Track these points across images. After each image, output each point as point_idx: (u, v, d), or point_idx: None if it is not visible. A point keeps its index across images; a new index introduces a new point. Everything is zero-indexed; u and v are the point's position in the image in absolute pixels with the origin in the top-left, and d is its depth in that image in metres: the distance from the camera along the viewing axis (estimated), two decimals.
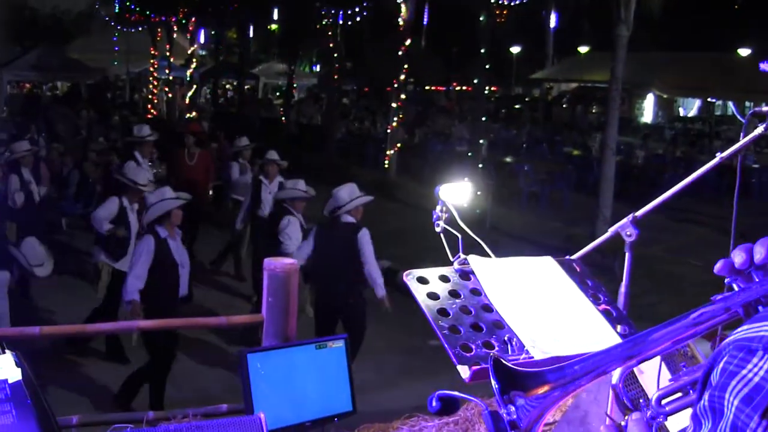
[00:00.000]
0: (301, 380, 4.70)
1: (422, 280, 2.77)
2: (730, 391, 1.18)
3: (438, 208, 3.01)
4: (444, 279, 2.81)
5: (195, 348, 10.07)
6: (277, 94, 50.32)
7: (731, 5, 26.53)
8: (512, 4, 20.30)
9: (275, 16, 33.69)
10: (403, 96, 22.70)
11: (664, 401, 1.72)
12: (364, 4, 25.95)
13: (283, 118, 32.30)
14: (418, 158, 24.40)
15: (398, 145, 22.67)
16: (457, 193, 3.13)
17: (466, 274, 2.85)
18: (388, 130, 23.05)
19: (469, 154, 20.07)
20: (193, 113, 35.97)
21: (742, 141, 3.95)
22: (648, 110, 45.67)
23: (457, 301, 2.72)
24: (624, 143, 27.04)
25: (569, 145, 29.37)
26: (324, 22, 28.93)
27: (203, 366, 9.78)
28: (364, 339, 10.48)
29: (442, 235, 2.97)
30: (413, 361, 10.00)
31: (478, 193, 18.57)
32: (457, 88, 48.49)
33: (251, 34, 38.40)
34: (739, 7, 26.29)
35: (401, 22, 22.01)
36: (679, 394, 1.70)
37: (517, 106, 44.93)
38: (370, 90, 46.07)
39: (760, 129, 3.98)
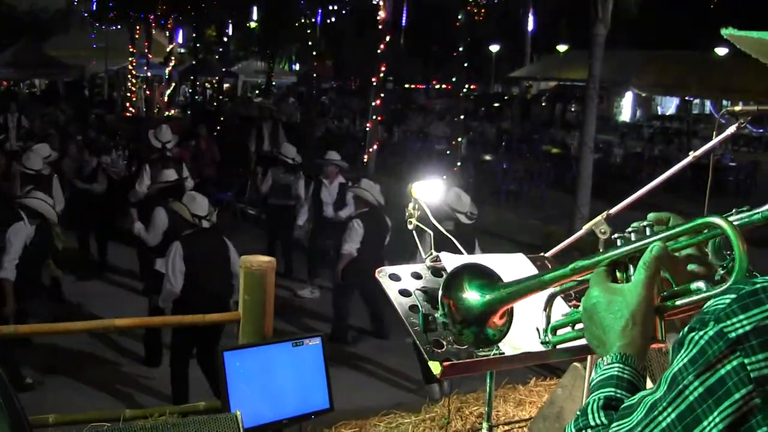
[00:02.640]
0: (278, 378, 4.73)
1: (394, 277, 2.80)
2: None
3: (410, 205, 3.03)
4: (416, 276, 2.84)
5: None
6: (257, 92, 50.27)
7: (708, 4, 26.68)
8: (490, 3, 20.36)
9: (254, 15, 33.62)
10: (382, 94, 22.70)
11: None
12: (344, 2, 25.96)
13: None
14: (397, 156, 24.45)
15: (377, 143, 22.68)
16: (429, 191, 3.15)
17: (438, 271, 2.88)
18: (367, 129, 23.08)
19: (447, 152, 20.11)
20: (172, 111, 35.93)
21: (715, 140, 4.01)
22: (626, 108, 45.92)
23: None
24: (602, 141, 27.20)
25: (548, 143, 29.51)
26: (303, 21, 28.93)
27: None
28: (341, 338, 10.62)
29: (414, 233, 2.99)
30: (389, 358, 10.03)
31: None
32: (437, 86, 48.60)
33: (230, 32, 38.26)
34: (715, 6, 26.43)
35: (380, 21, 22.03)
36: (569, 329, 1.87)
37: (496, 105, 45.08)
38: (349, 88, 46.11)
39: (732, 129, 4.03)
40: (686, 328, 1.28)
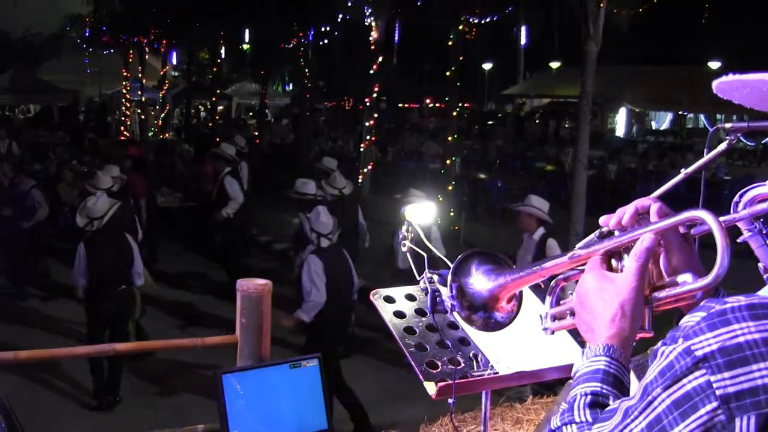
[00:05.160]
0: (276, 400, 4.73)
1: (389, 299, 2.82)
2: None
3: (403, 227, 3.06)
4: (410, 298, 2.87)
5: (173, 368, 10.09)
6: (250, 114, 50.33)
7: (700, 19, 26.76)
8: (482, 21, 20.44)
9: (246, 37, 33.70)
10: (375, 114, 22.77)
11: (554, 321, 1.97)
12: (336, 23, 26.05)
13: (257, 139, 32.27)
14: (391, 176, 24.48)
15: (371, 163, 22.75)
16: (422, 213, 3.18)
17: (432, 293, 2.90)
18: (361, 149, 23.13)
19: (441, 171, 20.15)
20: (166, 135, 35.96)
21: (706, 157, 4.03)
22: (620, 124, 46.03)
23: (424, 319, 2.78)
24: (596, 157, 27.21)
25: (542, 160, 29.52)
26: (296, 42, 29.03)
27: (181, 386, 9.80)
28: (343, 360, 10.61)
29: (408, 255, 3.02)
30: (390, 379, 10.03)
31: (452, 211, 18.68)
32: (430, 105, 48.71)
33: (223, 55, 38.32)
34: (706, 21, 26.53)
35: (372, 41, 22.12)
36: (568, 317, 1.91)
37: (489, 123, 45.18)
38: (342, 109, 46.20)
39: (723, 145, 4.07)
40: (660, 342, 1.32)
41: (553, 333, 1.98)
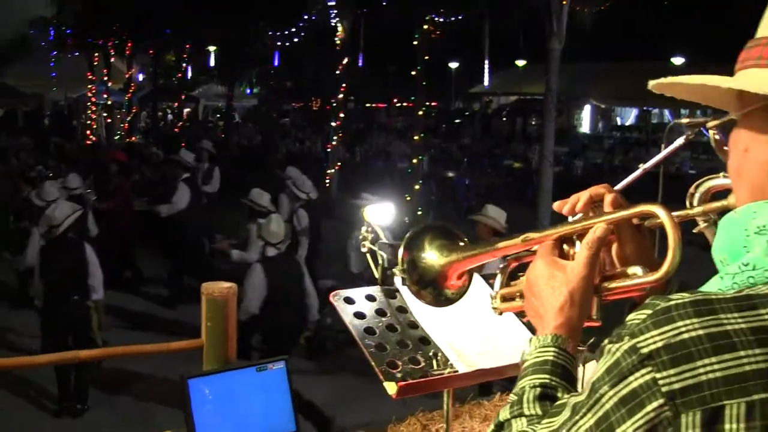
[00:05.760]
0: (243, 403, 4.72)
1: (349, 300, 2.83)
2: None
3: (363, 228, 3.06)
4: (370, 298, 2.87)
5: (139, 374, 10.04)
6: (218, 116, 50.13)
7: (662, 15, 26.97)
8: (447, 20, 20.47)
9: (213, 39, 33.53)
10: (342, 114, 22.76)
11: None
12: (301, 24, 26.00)
13: (224, 141, 32.15)
14: (359, 176, 24.48)
15: (339, 163, 22.74)
16: (382, 214, 3.19)
17: (392, 293, 2.91)
18: (328, 149, 23.13)
19: (409, 170, 20.18)
20: (133, 138, 35.74)
21: (664, 152, 4.07)
22: (586, 120, 46.25)
23: (384, 319, 2.78)
24: (563, 154, 27.35)
25: (509, 158, 29.62)
26: (262, 44, 28.93)
27: (147, 391, 9.75)
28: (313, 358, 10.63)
29: (368, 255, 3.03)
30: (359, 378, 10.02)
31: (419, 210, 18.71)
32: (398, 104, 48.72)
33: (189, 57, 38.09)
34: (669, 17, 26.75)
35: (338, 42, 22.11)
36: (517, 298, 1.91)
37: (457, 121, 45.25)
38: (310, 110, 46.11)
39: (680, 140, 4.10)
40: (607, 339, 1.34)
41: (501, 314, 1.99)
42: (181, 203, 14.01)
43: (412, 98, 20.78)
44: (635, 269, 1.68)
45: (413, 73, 19.77)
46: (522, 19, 20.87)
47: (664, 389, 1.21)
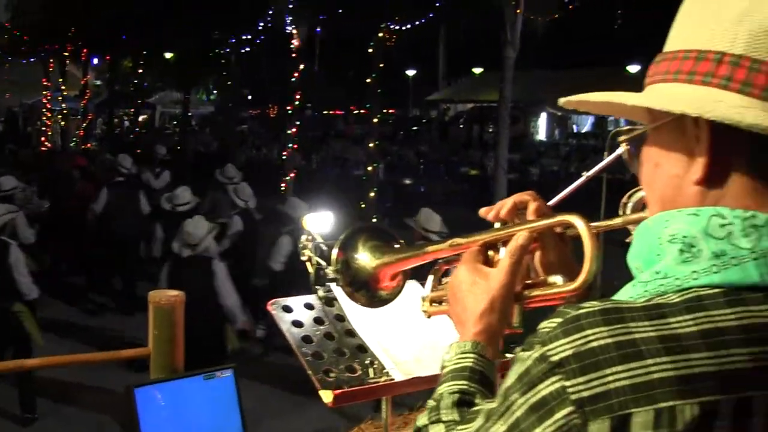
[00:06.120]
0: (191, 412, 4.69)
1: (287, 309, 2.83)
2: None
3: (303, 237, 3.06)
4: (309, 307, 2.88)
5: (85, 384, 9.94)
6: (174, 123, 49.89)
7: (617, 22, 27.19)
8: (403, 28, 20.50)
9: (170, 45, 33.37)
10: (297, 122, 22.73)
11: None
12: (258, 31, 25.96)
13: (179, 147, 31.97)
14: (315, 183, 24.46)
15: (294, 171, 22.69)
16: (321, 222, 3.20)
17: (330, 301, 2.92)
18: (284, 156, 23.10)
19: (363, 177, 20.19)
20: (88, 145, 35.44)
21: (605, 161, 4.11)
22: (542, 128, 46.54)
23: (321, 327, 2.79)
24: (519, 161, 27.51)
25: (466, 165, 29.74)
26: (219, 50, 28.87)
27: (95, 401, 9.66)
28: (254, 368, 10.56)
29: (308, 264, 3.03)
30: (302, 387, 9.96)
31: (374, 217, 18.70)
32: (355, 112, 48.79)
33: (145, 63, 37.85)
34: (623, 24, 26.98)
35: (294, 49, 22.08)
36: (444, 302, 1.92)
37: (414, 128, 45.37)
38: (267, 117, 46.04)
39: (621, 149, 4.14)
40: (519, 347, 1.35)
41: (430, 317, 2.01)
42: (98, 207, 13.88)
43: (368, 106, 20.74)
44: (556, 278, 1.71)
45: (368, 80, 19.79)
46: (478, 27, 20.96)
47: (573, 397, 1.22)
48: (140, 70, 37.83)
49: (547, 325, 1.31)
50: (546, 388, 1.25)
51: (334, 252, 2.04)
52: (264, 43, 27.03)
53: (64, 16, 31.60)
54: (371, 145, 20.00)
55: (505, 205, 1.87)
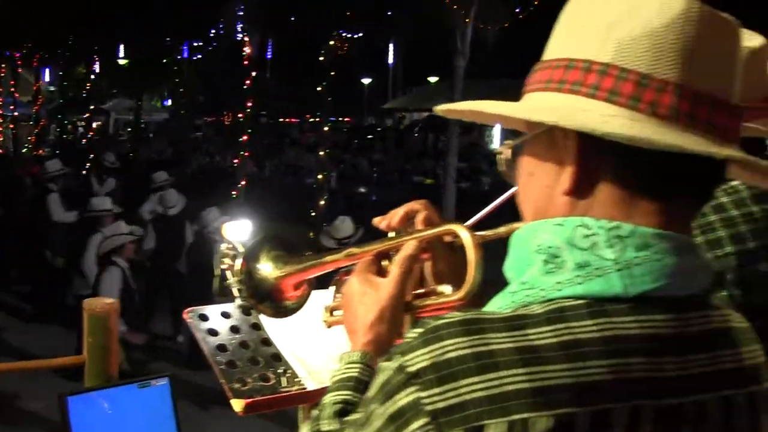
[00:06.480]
0: (125, 421, 4.66)
1: (203, 317, 2.82)
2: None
3: (223, 246, 3.05)
4: (225, 315, 2.86)
5: (18, 392, 9.83)
6: (128, 129, 49.53)
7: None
8: (354, 36, 20.55)
9: (122, 52, 33.18)
10: (249, 130, 22.67)
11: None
12: (210, 38, 25.90)
13: (131, 154, 31.77)
14: (267, 191, 24.39)
15: (245, 178, 22.63)
16: (240, 231, 3.20)
17: (248, 310, 2.91)
18: (235, 164, 23.03)
19: (314, 186, 20.20)
20: (41, 151, 35.10)
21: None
22: (497, 137, 46.73)
23: (237, 336, 2.77)
24: (471, 170, 27.59)
25: (420, 174, 29.78)
26: (171, 57, 28.74)
27: (28, 410, 9.56)
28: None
29: (228, 272, 3.02)
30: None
31: (324, 225, 18.70)
32: (310, 120, 48.73)
33: (98, 69, 37.55)
34: None
35: (245, 56, 22.05)
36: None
37: (369, 137, 45.39)
38: (222, 124, 45.84)
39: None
40: (382, 358, 1.36)
41: (330, 326, 2.04)
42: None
43: (318, 114, 20.77)
44: (444, 287, 1.72)
45: (318, 88, 19.80)
46: (430, 36, 21.04)
47: (428, 408, 1.21)
48: (92, 76, 37.50)
49: (408, 335, 1.31)
50: (403, 398, 1.25)
51: (239, 262, 2.04)
52: (216, 50, 26.97)
53: (15, 20, 31.30)
54: (322, 153, 20.01)
55: (396, 215, 1.89)
